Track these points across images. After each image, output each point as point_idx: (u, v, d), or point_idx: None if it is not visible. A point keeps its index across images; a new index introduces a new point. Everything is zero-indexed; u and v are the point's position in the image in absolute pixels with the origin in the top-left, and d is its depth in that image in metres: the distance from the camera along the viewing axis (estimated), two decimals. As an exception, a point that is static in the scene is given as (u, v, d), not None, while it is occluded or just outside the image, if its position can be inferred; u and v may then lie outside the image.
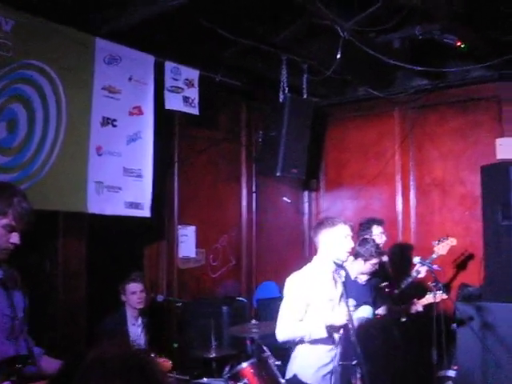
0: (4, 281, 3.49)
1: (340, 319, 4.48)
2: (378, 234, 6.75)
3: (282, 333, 4.54)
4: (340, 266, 4.87)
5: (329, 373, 4.65)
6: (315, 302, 4.57)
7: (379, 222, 6.88)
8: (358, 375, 4.97)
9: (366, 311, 6.15)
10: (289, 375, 4.81)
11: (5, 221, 3.33)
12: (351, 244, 4.70)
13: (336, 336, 4.66)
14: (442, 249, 6.86)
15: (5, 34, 4.97)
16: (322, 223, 4.79)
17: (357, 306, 6.02)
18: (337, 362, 4.67)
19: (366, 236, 6.38)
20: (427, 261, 6.32)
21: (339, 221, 4.73)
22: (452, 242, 6.93)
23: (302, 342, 4.58)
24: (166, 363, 4.71)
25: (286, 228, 8.66)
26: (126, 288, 5.94)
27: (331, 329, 4.51)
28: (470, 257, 7.46)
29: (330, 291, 4.68)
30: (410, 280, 6.82)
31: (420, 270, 6.71)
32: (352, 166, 8.64)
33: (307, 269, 4.76)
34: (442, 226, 7.74)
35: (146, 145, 6.26)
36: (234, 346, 6.43)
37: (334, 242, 4.65)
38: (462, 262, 7.52)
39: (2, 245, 3.38)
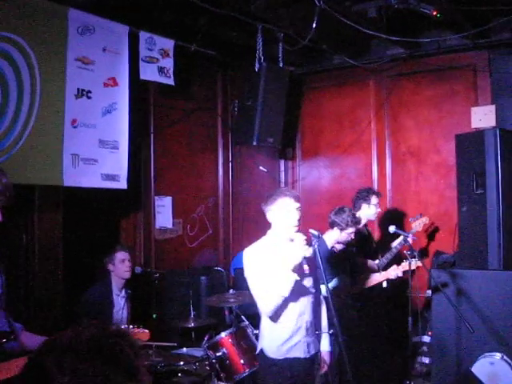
0: None
1: (298, 251, 4.29)
2: (375, 204, 6.83)
3: (269, 306, 4.40)
4: (316, 237, 4.91)
5: (295, 345, 4.55)
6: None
7: (377, 193, 6.98)
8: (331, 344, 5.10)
9: (342, 280, 6.22)
10: (257, 350, 4.77)
11: None
12: (296, 216, 4.45)
13: (303, 303, 4.56)
14: (417, 226, 7.02)
15: (-25, 6, 4.89)
16: (265, 200, 4.60)
17: (332, 276, 6.09)
18: (305, 333, 4.57)
19: (341, 205, 6.41)
20: (402, 230, 6.40)
21: (280, 195, 4.50)
22: (425, 220, 7.11)
23: (284, 302, 4.38)
24: (145, 334, 4.72)
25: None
26: (115, 256, 5.97)
27: (294, 267, 4.28)
28: (445, 225, 7.54)
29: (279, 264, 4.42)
30: (389, 256, 6.91)
31: (400, 244, 6.81)
32: (328, 135, 8.66)
33: (262, 242, 4.63)
34: (417, 195, 7.82)
35: (121, 116, 6.22)
36: (212, 316, 6.49)
37: (279, 219, 4.49)
38: (436, 230, 7.61)
39: None
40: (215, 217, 7.96)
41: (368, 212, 6.88)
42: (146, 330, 4.76)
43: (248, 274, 4.49)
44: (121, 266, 5.99)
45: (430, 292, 6.83)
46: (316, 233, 4.79)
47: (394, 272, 6.39)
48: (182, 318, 6.08)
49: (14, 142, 5.23)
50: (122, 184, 6.26)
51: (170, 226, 7.25)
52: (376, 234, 7.80)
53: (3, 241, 5.72)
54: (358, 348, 5.93)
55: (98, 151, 5.99)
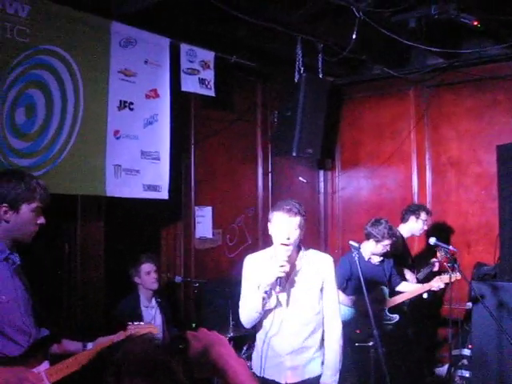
0: (21, 266, 3.63)
1: (274, 270, 4.02)
2: (424, 220, 6.82)
3: (243, 317, 4.25)
4: (356, 249, 4.90)
5: (272, 367, 4.29)
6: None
7: (429, 212, 7.01)
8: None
9: (381, 292, 6.21)
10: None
11: (34, 204, 3.49)
12: (284, 233, 4.10)
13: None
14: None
15: (22, 20, 4.99)
16: (272, 209, 4.32)
17: (371, 287, 6.07)
18: (285, 356, 4.25)
19: (378, 217, 6.39)
20: (442, 242, 6.35)
21: (275, 208, 4.22)
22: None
23: (256, 316, 4.18)
24: (154, 328, 4.55)
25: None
26: (140, 269, 5.97)
27: (268, 285, 4.04)
28: (486, 236, 7.46)
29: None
30: (428, 270, 6.88)
31: (439, 260, 6.77)
32: (367, 146, 8.65)
33: (262, 252, 4.43)
34: (458, 206, 7.76)
35: (162, 127, 6.29)
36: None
37: (272, 234, 4.21)
38: (477, 242, 7.53)
39: (32, 228, 3.52)
40: (254, 227, 7.98)
41: (415, 226, 6.86)
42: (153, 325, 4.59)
43: (242, 280, 4.37)
44: (147, 277, 5.97)
45: (470, 304, 6.77)
46: (356, 245, 4.80)
47: (437, 284, 6.35)
48: (221, 327, 6.10)
49: (58, 153, 5.33)
50: (163, 194, 6.32)
51: (209, 235, 7.29)
52: (416, 246, 7.75)
53: (46, 250, 5.85)
54: (395, 362, 5.90)
55: (140, 162, 6.07)
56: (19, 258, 3.60)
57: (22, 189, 3.44)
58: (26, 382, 3.26)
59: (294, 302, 4.27)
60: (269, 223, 4.26)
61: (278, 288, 4.08)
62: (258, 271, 4.23)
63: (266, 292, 4.07)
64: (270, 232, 4.24)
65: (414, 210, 6.90)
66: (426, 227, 6.93)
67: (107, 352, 1.43)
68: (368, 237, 6.25)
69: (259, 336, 4.39)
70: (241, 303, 4.28)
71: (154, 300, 6.04)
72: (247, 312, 4.21)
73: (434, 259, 6.94)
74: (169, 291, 6.48)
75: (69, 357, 3.64)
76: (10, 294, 3.42)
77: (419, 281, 6.81)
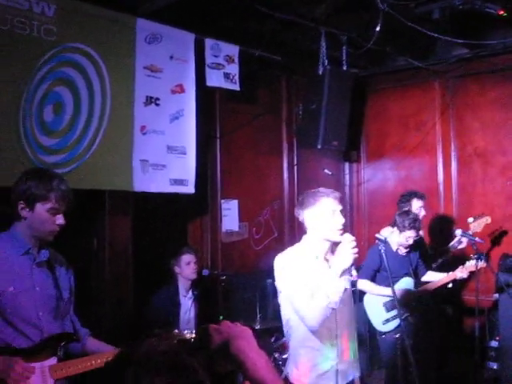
0: (49, 262, 3.68)
1: (347, 254, 3.78)
2: (417, 208, 6.76)
3: (314, 318, 3.80)
4: (382, 241, 4.92)
5: (323, 374, 3.98)
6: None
7: (420, 196, 6.87)
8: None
9: (407, 283, 6.21)
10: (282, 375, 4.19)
11: (48, 205, 3.52)
12: (341, 220, 3.95)
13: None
14: (477, 226, 6.82)
15: (48, 19, 5.07)
16: (302, 200, 4.07)
17: (397, 278, 6.09)
18: (337, 358, 3.99)
19: (406, 209, 6.40)
20: (469, 233, 6.35)
21: (322, 194, 3.98)
22: (487, 220, 6.90)
23: (329, 312, 3.78)
24: None
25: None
26: (181, 259, 6.13)
27: (343, 273, 3.77)
28: (512, 227, 7.44)
29: (321, 277, 3.86)
30: (451, 250, 6.84)
31: (462, 241, 6.72)
32: (392, 137, 8.63)
33: (299, 249, 4.08)
34: (484, 197, 7.72)
35: (188, 122, 6.35)
36: (278, 319, 6.50)
37: (320, 221, 3.95)
38: (503, 233, 7.50)
39: (49, 228, 3.57)
40: (280, 220, 8.01)
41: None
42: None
43: (285, 283, 3.95)
44: (187, 268, 6.14)
45: (497, 295, 6.76)
46: (383, 237, 4.80)
47: (460, 273, 6.33)
48: (249, 319, 6.16)
49: (85, 149, 5.41)
50: (190, 188, 6.38)
51: (236, 229, 7.34)
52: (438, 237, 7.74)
53: (75, 246, 5.92)
54: (422, 353, 5.91)
55: (167, 157, 6.13)
56: (47, 255, 3.67)
57: (37, 188, 3.50)
58: (12, 373, 3.30)
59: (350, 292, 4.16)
60: (308, 213, 3.98)
61: (354, 272, 3.90)
62: (306, 268, 3.89)
63: (348, 279, 3.87)
64: (312, 222, 3.97)
65: (404, 200, 6.82)
66: (424, 212, 6.82)
67: (127, 351, 1.46)
68: (393, 224, 6.26)
69: (310, 342, 3.95)
70: (304, 307, 3.79)
71: (191, 291, 6.16)
72: (323, 312, 3.75)
73: (456, 242, 6.87)
74: (201, 285, 6.54)
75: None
76: (22, 287, 3.48)
77: (438, 267, 6.79)
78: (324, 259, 4.01)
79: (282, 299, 4.03)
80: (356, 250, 3.80)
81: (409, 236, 6.12)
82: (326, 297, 3.73)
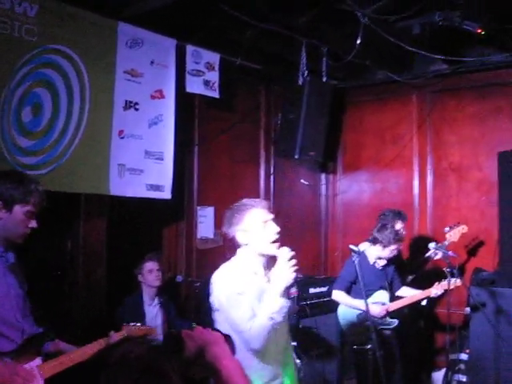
0: (15, 265, 3.70)
1: (286, 271, 3.51)
2: (399, 229, 6.78)
3: (259, 339, 3.52)
4: (356, 253, 4.95)
5: None
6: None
7: (404, 218, 6.90)
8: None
9: (382, 296, 6.25)
10: None
11: (26, 208, 3.57)
12: (275, 229, 3.67)
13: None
14: (453, 236, 6.90)
15: (30, 19, 5.04)
16: (230, 218, 3.75)
17: (372, 291, 6.13)
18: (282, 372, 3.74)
19: (384, 222, 6.43)
20: (442, 246, 6.40)
21: (249, 206, 3.71)
22: (463, 229, 6.99)
23: (272, 332, 3.54)
24: (151, 330, 4.51)
25: (303, 210, 8.75)
26: (143, 267, 6.08)
27: (284, 290, 3.50)
28: (485, 242, 7.50)
29: (266, 293, 3.60)
30: (428, 261, 6.88)
31: (437, 252, 6.77)
32: (369, 149, 8.68)
33: (235, 265, 3.76)
34: (458, 211, 7.79)
35: (167, 128, 6.34)
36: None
37: (252, 235, 3.67)
38: (476, 247, 7.57)
39: (22, 230, 3.61)
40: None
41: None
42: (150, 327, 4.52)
43: (223, 302, 3.61)
44: (149, 276, 6.09)
45: (468, 309, 6.81)
46: (356, 248, 4.85)
47: (435, 290, 6.37)
48: (221, 327, 6.15)
49: (63, 152, 5.38)
50: (167, 194, 6.37)
51: (211, 236, 7.32)
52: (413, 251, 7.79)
53: (49, 248, 5.90)
54: (392, 365, 5.95)
55: (144, 162, 6.12)
56: (14, 257, 3.69)
57: (18, 190, 3.54)
58: (16, 377, 3.32)
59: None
60: (238, 230, 3.68)
61: (294, 289, 3.59)
62: (246, 286, 3.58)
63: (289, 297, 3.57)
64: (245, 237, 3.68)
65: (388, 218, 6.79)
66: (404, 232, 6.85)
67: (104, 353, 1.47)
68: (375, 241, 6.29)
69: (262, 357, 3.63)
70: (247, 327, 3.50)
71: (156, 299, 6.11)
72: (266, 331, 3.50)
73: (430, 253, 6.92)
74: (170, 290, 6.52)
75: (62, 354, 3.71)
76: (2, 291, 3.51)
77: (408, 284, 6.83)
78: (264, 274, 3.73)
79: (219, 317, 3.67)
80: (295, 264, 3.51)
81: (393, 249, 6.19)
82: (270, 318, 3.48)
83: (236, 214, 3.71)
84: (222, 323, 3.62)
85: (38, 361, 3.57)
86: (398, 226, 6.76)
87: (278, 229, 3.68)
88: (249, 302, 3.54)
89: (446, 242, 6.75)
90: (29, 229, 3.61)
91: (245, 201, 3.78)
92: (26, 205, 3.54)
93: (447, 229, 6.96)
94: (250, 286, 3.58)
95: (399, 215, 6.87)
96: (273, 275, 3.59)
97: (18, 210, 3.53)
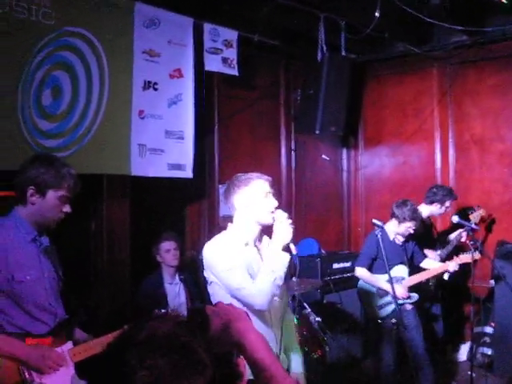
0: (49, 248, 3.71)
1: (286, 228, 3.67)
2: (447, 207, 6.77)
3: (263, 295, 3.58)
4: (379, 227, 4.95)
5: None
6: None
7: (454, 197, 6.94)
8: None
9: (401, 271, 6.24)
10: None
11: (60, 192, 3.54)
12: (274, 202, 3.79)
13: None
14: (475, 218, 6.92)
15: (47, 3, 5.04)
16: (232, 183, 3.88)
17: (392, 266, 6.11)
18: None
19: (405, 198, 6.39)
20: (466, 221, 6.37)
21: (253, 177, 3.84)
22: (482, 212, 7.01)
23: (276, 289, 3.63)
24: None
25: (325, 185, 8.73)
26: (160, 247, 6.08)
27: (283, 248, 3.64)
28: (509, 214, 7.45)
29: (255, 264, 3.75)
30: (450, 248, 6.87)
31: (462, 235, 6.75)
32: (390, 123, 8.63)
33: (225, 236, 3.87)
34: (481, 183, 7.74)
35: (186, 107, 6.34)
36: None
37: (252, 204, 3.78)
38: (500, 219, 7.52)
39: (56, 215, 3.59)
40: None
41: (436, 211, 6.84)
42: None
43: (218, 269, 3.68)
44: (167, 255, 6.06)
45: (492, 282, 6.80)
46: (379, 223, 4.85)
47: (452, 266, 6.34)
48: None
49: (83, 134, 5.40)
50: (188, 173, 6.39)
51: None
52: (439, 223, 7.75)
53: (73, 229, 5.95)
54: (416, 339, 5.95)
55: (165, 141, 6.13)
56: (48, 241, 3.70)
57: (51, 175, 3.51)
58: (48, 361, 3.37)
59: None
60: (241, 198, 3.80)
61: (292, 246, 3.70)
62: (237, 256, 3.67)
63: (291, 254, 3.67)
64: (246, 208, 3.78)
65: (441, 196, 6.81)
66: (447, 211, 6.88)
67: (131, 332, 1.48)
68: (392, 216, 6.28)
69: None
70: (249, 287, 3.59)
71: (177, 277, 6.13)
72: (269, 286, 3.56)
73: (452, 236, 6.93)
74: (194, 268, 6.55)
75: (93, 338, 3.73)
76: (35, 275, 3.52)
77: (442, 259, 6.81)
78: (254, 246, 3.83)
79: (214, 288, 3.76)
80: (291, 222, 3.69)
81: (409, 226, 6.15)
82: (271, 271, 3.58)
83: (241, 181, 3.83)
84: (217, 295, 3.72)
85: (69, 345, 3.61)
86: (448, 203, 6.76)
87: (276, 203, 3.78)
88: (241, 271, 3.62)
89: (471, 223, 6.71)
90: (63, 213, 3.59)
91: (248, 174, 3.89)
92: (60, 189, 3.52)
93: (470, 211, 7.02)
94: (239, 257, 3.66)
95: (450, 194, 6.87)
96: (273, 237, 3.71)
97: (52, 194, 3.51)
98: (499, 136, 7.62)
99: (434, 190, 6.87)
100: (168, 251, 6.06)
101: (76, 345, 3.65)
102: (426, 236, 6.90)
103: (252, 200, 3.78)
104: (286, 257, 3.65)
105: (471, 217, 6.92)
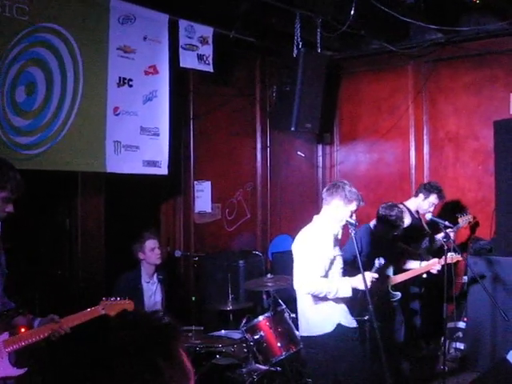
0: None
1: (363, 284, 4.65)
2: (431, 203, 6.79)
3: (311, 286, 4.67)
4: (352, 225, 4.98)
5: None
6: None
7: (441, 197, 6.91)
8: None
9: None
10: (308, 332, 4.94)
11: (3, 194, 3.67)
12: (351, 220, 4.88)
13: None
14: (463, 222, 6.98)
15: (21, -2, 5.03)
16: (341, 189, 4.90)
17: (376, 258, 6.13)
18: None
19: (392, 202, 6.39)
20: (440, 219, 6.39)
21: (356, 197, 4.87)
22: (471, 218, 7.16)
23: (324, 298, 4.72)
24: (129, 304, 4.58)
25: (300, 182, 8.76)
26: (144, 246, 6.03)
27: (354, 290, 4.74)
28: (482, 211, 7.51)
29: (332, 251, 4.83)
30: (435, 247, 6.90)
31: (442, 239, 6.79)
32: (366, 120, 8.67)
33: (317, 226, 4.94)
34: (455, 181, 7.80)
35: (162, 103, 6.34)
36: (250, 300, 6.59)
37: (342, 214, 4.86)
38: (473, 216, 7.57)
39: None
40: (253, 201, 8.04)
41: (421, 204, 6.84)
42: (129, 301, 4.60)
43: (305, 250, 4.81)
44: (151, 254, 6.00)
45: (466, 278, 6.86)
46: (352, 221, 4.88)
47: (435, 267, 6.35)
48: (221, 300, 6.18)
49: (58, 130, 5.38)
50: (163, 170, 6.39)
51: (209, 210, 7.35)
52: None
53: (48, 225, 5.93)
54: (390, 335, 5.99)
55: (140, 138, 6.12)
56: None
57: None
58: None
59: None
60: (339, 205, 4.85)
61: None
62: (323, 246, 4.75)
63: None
64: (337, 213, 4.86)
65: (427, 188, 6.84)
66: (431, 209, 6.87)
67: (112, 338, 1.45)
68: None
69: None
70: (311, 273, 4.68)
71: (155, 276, 6.11)
72: (319, 288, 4.68)
73: (438, 236, 6.95)
74: (169, 265, 6.56)
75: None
76: None
77: (421, 255, 6.83)
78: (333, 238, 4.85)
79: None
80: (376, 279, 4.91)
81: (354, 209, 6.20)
82: (335, 290, 4.67)
83: (344, 193, 4.86)
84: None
85: (4, 335, 3.74)
86: (433, 199, 6.81)
87: (354, 218, 4.95)
88: (322, 260, 4.71)
89: (459, 226, 6.80)
90: (6, 213, 3.71)
91: (359, 192, 4.99)
92: (4, 191, 3.64)
93: (459, 214, 7.11)
94: (326, 246, 4.75)
95: (437, 191, 6.89)
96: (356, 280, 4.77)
97: None
98: (473, 133, 7.68)
99: (425, 183, 6.95)
100: (152, 250, 6.01)
101: (12, 335, 3.78)
102: (415, 232, 6.88)
103: (343, 212, 4.86)
104: (350, 292, 4.74)
105: (460, 220, 6.97)
